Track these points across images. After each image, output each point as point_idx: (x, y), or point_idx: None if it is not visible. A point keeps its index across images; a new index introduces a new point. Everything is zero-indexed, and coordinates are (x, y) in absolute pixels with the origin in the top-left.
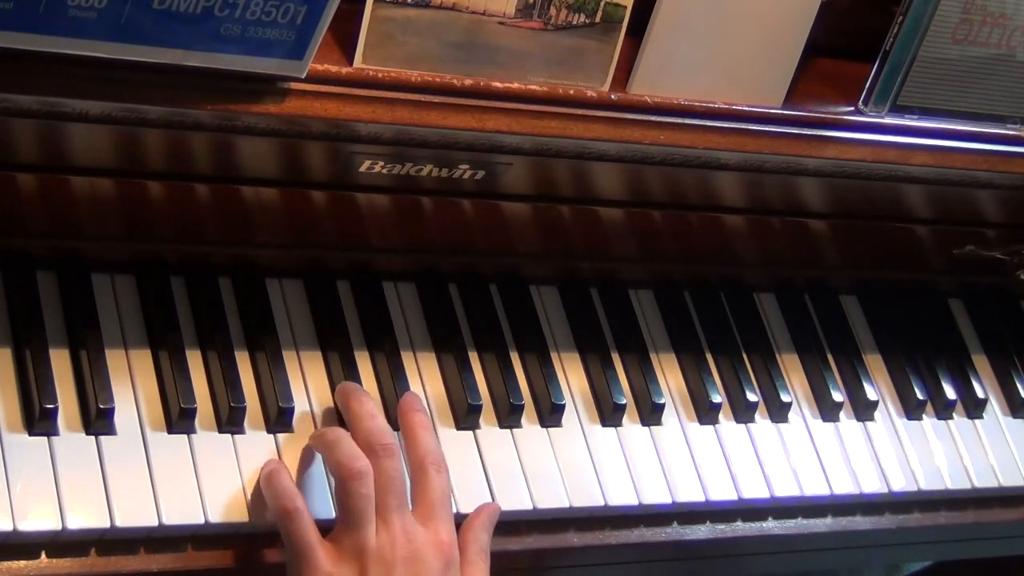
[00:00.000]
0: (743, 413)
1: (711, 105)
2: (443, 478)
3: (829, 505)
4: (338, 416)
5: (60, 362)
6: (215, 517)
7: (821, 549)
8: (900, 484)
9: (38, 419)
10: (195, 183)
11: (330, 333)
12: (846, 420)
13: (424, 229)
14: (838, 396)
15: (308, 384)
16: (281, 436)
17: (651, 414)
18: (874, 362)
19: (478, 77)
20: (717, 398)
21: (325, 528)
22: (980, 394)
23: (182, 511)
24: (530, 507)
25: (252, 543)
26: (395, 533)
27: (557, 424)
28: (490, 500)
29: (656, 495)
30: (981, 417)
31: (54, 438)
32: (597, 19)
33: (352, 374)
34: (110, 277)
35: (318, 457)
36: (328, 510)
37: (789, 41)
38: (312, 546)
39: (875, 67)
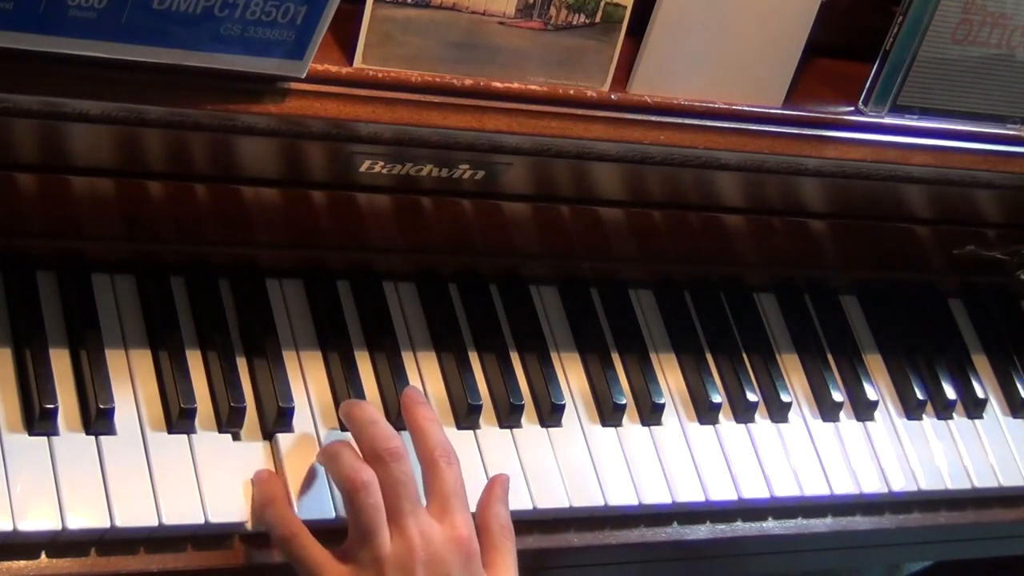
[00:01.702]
0: (743, 413)
1: (711, 105)
2: (455, 470)
3: (829, 505)
4: (338, 415)
5: (60, 362)
6: (215, 517)
7: (821, 549)
8: (900, 484)
9: (38, 419)
10: (195, 183)
11: (330, 333)
12: (846, 420)
13: (424, 229)
14: (838, 396)
15: (308, 384)
16: (281, 436)
17: (651, 414)
18: (874, 362)
19: (478, 77)
20: (717, 398)
21: (334, 531)
22: (980, 394)
23: (182, 511)
24: (530, 507)
25: (252, 543)
26: (412, 538)
27: (557, 424)
28: None
29: (656, 495)
30: (981, 417)
31: (54, 438)
32: (597, 19)
33: (352, 374)
34: (110, 277)
35: (315, 459)
36: (328, 510)
37: (789, 41)
38: (319, 564)
39: (875, 67)
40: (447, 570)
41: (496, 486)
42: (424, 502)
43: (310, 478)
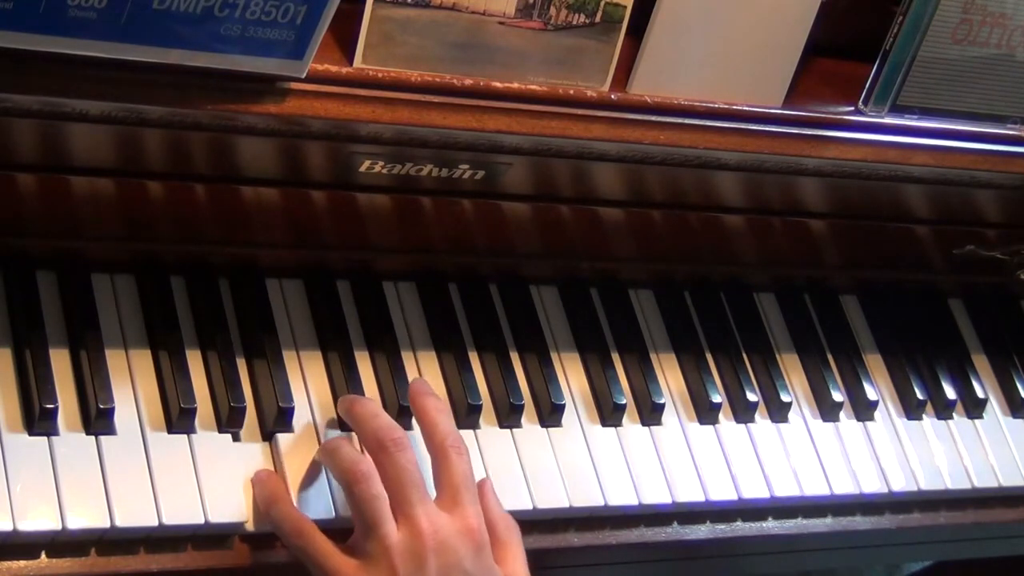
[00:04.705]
0: (743, 413)
1: (711, 105)
2: (465, 461)
3: (829, 505)
4: (338, 415)
5: (60, 362)
6: (215, 517)
7: (821, 549)
8: (900, 484)
9: (38, 419)
10: (195, 183)
11: (330, 333)
12: (846, 420)
13: (424, 229)
14: (838, 396)
15: (308, 384)
16: (281, 436)
17: (651, 414)
18: (874, 362)
19: (478, 77)
20: (717, 398)
21: (335, 531)
22: (980, 394)
23: (182, 511)
24: (530, 507)
25: (252, 543)
26: (420, 526)
27: (557, 424)
28: None
29: (656, 495)
30: (981, 417)
31: (54, 438)
32: (597, 19)
33: (352, 374)
34: (110, 277)
35: (314, 456)
36: (329, 510)
37: (789, 41)
38: (328, 558)
39: (875, 67)
40: (458, 560)
41: (484, 486)
42: (432, 494)
43: (310, 478)
